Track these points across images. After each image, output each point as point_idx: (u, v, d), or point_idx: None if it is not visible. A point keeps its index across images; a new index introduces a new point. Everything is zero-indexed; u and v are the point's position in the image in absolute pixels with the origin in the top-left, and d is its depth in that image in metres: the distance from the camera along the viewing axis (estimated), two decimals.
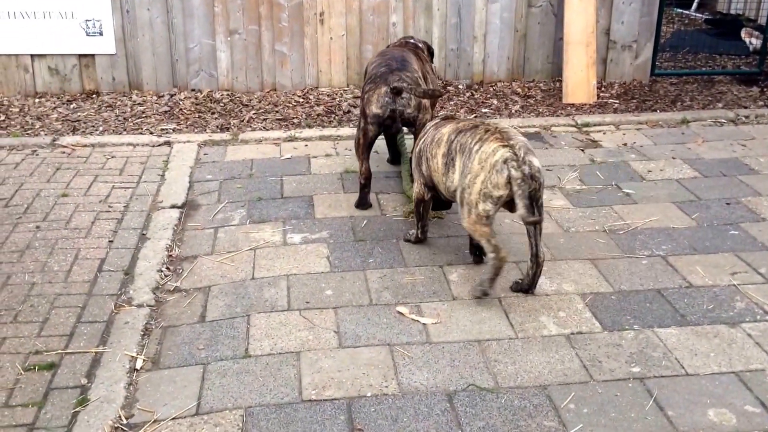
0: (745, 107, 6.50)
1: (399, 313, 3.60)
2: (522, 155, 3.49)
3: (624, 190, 4.92)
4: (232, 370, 3.22)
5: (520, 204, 3.49)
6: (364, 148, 4.51)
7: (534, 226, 3.64)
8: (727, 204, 4.72)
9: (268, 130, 6.04)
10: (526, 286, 3.78)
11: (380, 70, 4.45)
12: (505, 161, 3.49)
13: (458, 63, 6.96)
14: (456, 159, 3.70)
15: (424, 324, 3.52)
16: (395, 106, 4.33)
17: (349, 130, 5.94)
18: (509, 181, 3.48)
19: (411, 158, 4.24)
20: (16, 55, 6.60)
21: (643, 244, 4.24)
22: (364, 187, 4.62)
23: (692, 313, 3.60)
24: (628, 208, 4.68)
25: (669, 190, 4.92)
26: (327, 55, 6.76)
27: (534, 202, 3.53)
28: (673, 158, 5.44)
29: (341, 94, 6.79)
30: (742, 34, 7.89)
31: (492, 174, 3.51)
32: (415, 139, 4.35)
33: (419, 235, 4.24)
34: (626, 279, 3.89)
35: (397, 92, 4.29)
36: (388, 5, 6.74)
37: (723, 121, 6.18)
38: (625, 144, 5.72)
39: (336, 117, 6.31)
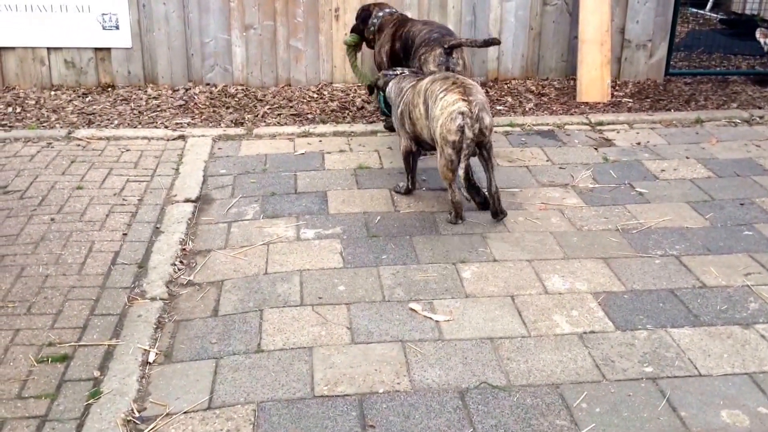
0: (760, 108, 6.47)
1: (411, 309, 3.61)
2: (476, 112, 4.12)
3: (637, 189, 4.90)
4: (245, 364, 3.23)
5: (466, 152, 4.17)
6: None
7: (486, 165, 4.36)
8: (741, 204, 4.70)
9: (282, 125, 6.04)
10: (494, 211, 4.42)
11: (433, 35, 5.11)
12: (460, 113, 4.10)
13: (473, 60, 6.93)
14: (429, 105, 4.28)
15: (436, 321, 3.52)
16: (448, 64, 4.97)
17: (363, 126, 5.95)
18: (459, 130, 4.11)
19: (393, 116, 4.83)
20: (33, 48, 6.63)
21: (657, 243, 4.22)
22: None
23: (705, 314, 3.59)
24: (641, 207, 4.66)
25: (682, 190, 4.90)
26: (341, 51, 6.74)
27: (484, 149, 4.27)
28: (687, 158, 5.41)
29: (355, 90, 6.79)
30: (757, 35, 7.80)
31: (447, 120, 4.13)
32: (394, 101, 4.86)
33: (409, 186, 4.76)
34: (639, 278, 3.88)
35: (449, 52, 4.96)
36: (403, 2, 6.73)
37: (737, 121, 6.14)
38: (638, 143, 5.70)
39: (350, 113, 6.31)
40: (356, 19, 5.78)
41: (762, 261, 4.04)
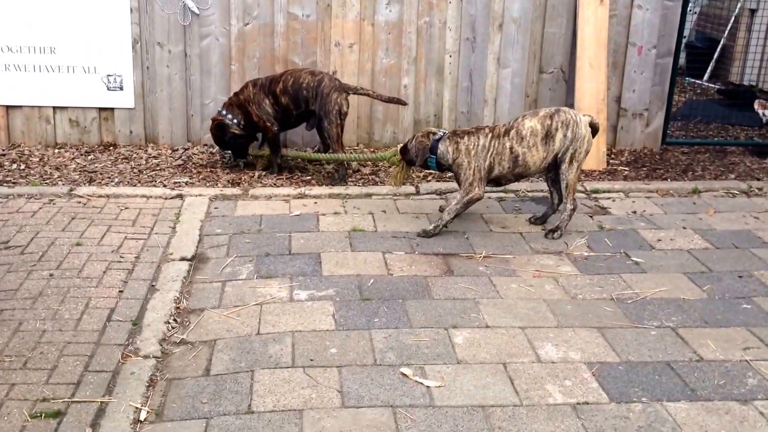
0: (758, 179, 6.50)
1: (403, 374, 3.58)
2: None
3: (633, 259, 4.90)
4: (235, 425, 3.20)
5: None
6: None
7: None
8: (740, 277, 4.67)
9: (278, 186, 6.10)
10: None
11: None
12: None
13: (468, 126, 7.03)
14: (561, 134, 5.06)
15: (427, 387, 3.49)
16: None
17: (358, 189, 6.00)
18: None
19: (463, 172, 5.10)
20: (39, 107, 6.76)
21: (652, 314, 4.20)
22: None
23: (703, 388, 3.53)
24: (636, 276, 4.66)
25: (679, 261, 4.90)
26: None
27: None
28: (684, 228, 5.43)
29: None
30: (755, 106, 7.92)
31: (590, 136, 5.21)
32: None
33: (446, 225, 5.20)
34: (634, 349, 3.84)
35: None
36: (401, 68, 6.87)
37: (735, 192, 6.17)
38: (634, 212, 5.73)
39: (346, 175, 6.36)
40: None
41: (761, 335, 3.99)
